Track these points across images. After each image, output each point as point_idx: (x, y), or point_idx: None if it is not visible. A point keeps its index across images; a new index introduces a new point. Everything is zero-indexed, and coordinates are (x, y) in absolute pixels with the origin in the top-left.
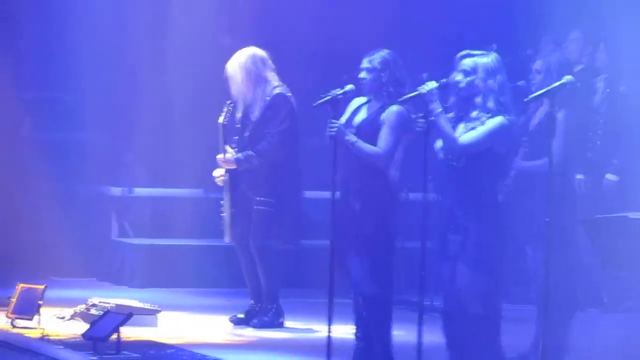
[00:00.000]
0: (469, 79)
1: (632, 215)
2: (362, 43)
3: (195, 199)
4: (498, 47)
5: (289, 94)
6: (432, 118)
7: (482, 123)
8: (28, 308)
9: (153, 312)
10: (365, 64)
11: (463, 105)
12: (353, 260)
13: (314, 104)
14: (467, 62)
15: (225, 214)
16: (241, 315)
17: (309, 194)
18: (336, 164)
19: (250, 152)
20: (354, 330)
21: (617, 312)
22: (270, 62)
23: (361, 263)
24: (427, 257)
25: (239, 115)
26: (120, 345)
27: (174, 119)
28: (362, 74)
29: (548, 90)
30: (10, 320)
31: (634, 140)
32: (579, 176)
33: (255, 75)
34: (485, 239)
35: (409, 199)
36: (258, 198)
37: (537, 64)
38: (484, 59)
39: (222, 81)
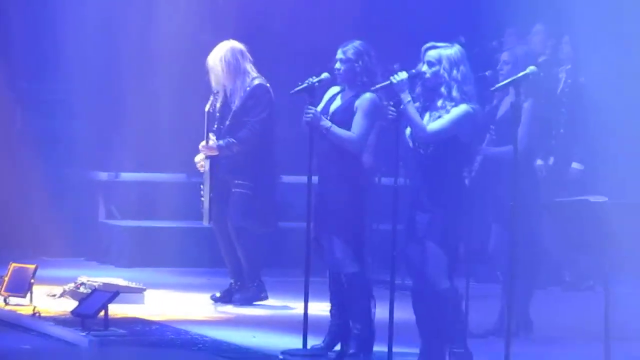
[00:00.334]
0: (434, 69)
1: (592, 198)
2: (336, 36)
3: (178, 183)
4: (465, 39)
5: (268, 85)
6: (402, 107)
7: (447, 112)
8: (20, 286)
9: (139, 291)
10: (339, 54)
11: (429, 94)
12: (329, 242)
13: (291, 92)
14: (432, 54)
15: (205, 199)
16: (219, 294)
17: (287, 178)
18: (312, 149)
19: (231, 139)
20: (329, 308)
21: (578, 290)
22: (248, 54)
23: (336, 244)
24: (398, 238)
25: (218, 105)
26: (107, 321)
27: (158, 108)
28: (337, 65)
29: (513, 80)
30: (3, 297)
31: (594, 130)
32: (539, 162)
33: (234, 67)
34: (450, 221)
35: (381, 183)
36: (236, 181)
37: (505, 55)
38: (448, 51)
39: (204, 72)
